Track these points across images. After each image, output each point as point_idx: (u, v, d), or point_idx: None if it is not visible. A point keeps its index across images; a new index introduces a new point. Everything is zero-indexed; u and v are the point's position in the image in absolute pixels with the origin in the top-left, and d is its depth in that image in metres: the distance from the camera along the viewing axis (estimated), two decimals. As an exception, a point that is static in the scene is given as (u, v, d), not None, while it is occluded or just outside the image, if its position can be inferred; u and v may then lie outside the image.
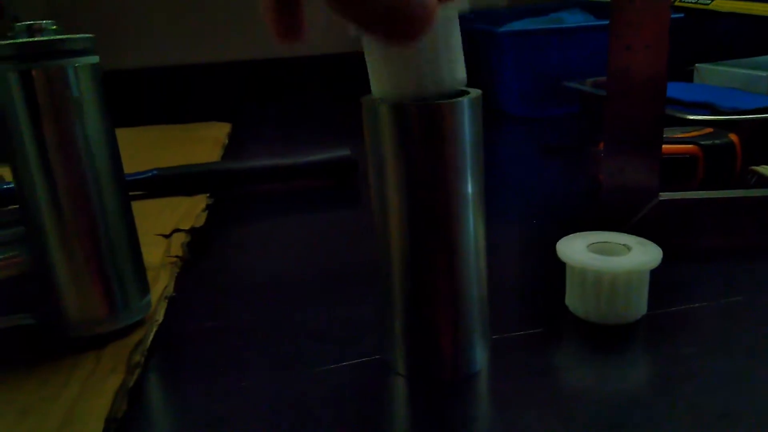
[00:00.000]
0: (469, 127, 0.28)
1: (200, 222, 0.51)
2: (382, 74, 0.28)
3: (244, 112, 1.03)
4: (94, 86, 0.34)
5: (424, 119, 0.28)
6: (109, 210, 0.35)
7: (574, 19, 0.99)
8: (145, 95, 1.13)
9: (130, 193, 0.57)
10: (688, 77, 0.82)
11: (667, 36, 0.38)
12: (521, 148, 0.77)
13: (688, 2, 0.84)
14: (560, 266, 0.36)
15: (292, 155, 0.63)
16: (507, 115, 0.91)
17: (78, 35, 0.34)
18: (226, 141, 0.81)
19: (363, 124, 0.29)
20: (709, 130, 0.53)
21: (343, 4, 0.22)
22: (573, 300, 0.35)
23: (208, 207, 0.55)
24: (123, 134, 0.83)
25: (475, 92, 0.29)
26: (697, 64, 0.81)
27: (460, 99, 0.28)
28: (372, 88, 0.29)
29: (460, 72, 0.28)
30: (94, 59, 0.35)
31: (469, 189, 0.29)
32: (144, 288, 0.37)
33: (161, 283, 0.41)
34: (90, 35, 0.34)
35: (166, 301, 0.40)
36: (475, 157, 0.29)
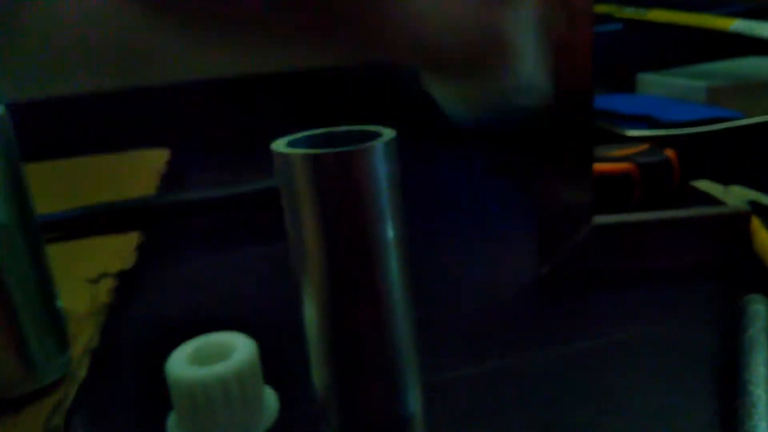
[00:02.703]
0: (384, 171, 0.27)
1: (129, 263, 0.49)
2: None
3: (185, 138, 1.01)
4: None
5: (337, 166, 0.27)
6: (19, 263, 0.33)
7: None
8: (78, 124, 1.10)
9: (56, 234, 0.56)
10: (632, 87, 0.82)
11: (591, 60, 0.38)
12: (465, 164, 0.77)
13: (627, 13, 0.85)
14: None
15: (229, 185, 0.62)
16: (453, 130, 0.91)
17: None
18: (165, 169, 0.79)
19: (275, 172, 0.28)
20: (647, 146, 0.53)
21: None
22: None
23: (140, 245, 0.54)
24: (52, 168, 0.81)
25: (388, 134, 0.28)
26: (639, 74, 0.81)
27: (374, 143, 0.27)
28: None
29: None
30: (-1, 110, 0.33)
31: (390, 234, 0.28)
32: (63, 342, 0.35)
33: (85, 335, 0.39)
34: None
35: (90, 354, 0.38)
36: (395, 200, 0.28)
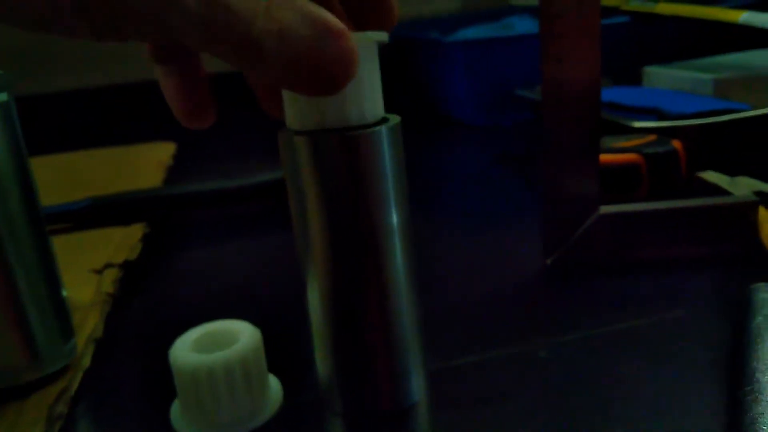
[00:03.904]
0: (389, 156, 0.27)
1: (134, 255, 0.49)
2: (300, 108, 0.27)
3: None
4: (4, 125, 0.33)
5: (342, 150, 0.26)
6: (24, 252, 0.33)
7: (523, 24, 0.98)
8: (86, 117, 1.10)
9: (63, 226, 0.56)
10: (638, 80, 0.82)
11: (599, 48, 0.37)
12: (473, 157, 0.76)
13: (634, 5, 0.84)
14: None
15: (236, 177, 0.62)
16: (458, 124, 0.91)
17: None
18: (171, 162, 0.79)
19: (280, 157, 0.28)
20: (654, 137, 0.53)
21: (259, 66, 0.21)
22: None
23: (145, 237, 0.54)
24: (61, 160, 0.82)
25: (393, 119, 0.28)
26: (645, 67, 0.81)
27: (378, 128, 0.27)
28: (287, 120, 0.28)
29: (379, 105, 0.27)
30: (2, 97, 0.33)
31: (394, 220, 0.28)
32: (68, 331, 0.36)
33: (89, 325, 0.39)
34: (-4, 72, 0.33)
35: (94, 344, 0.38)
36: (398, 186, 0.28)
